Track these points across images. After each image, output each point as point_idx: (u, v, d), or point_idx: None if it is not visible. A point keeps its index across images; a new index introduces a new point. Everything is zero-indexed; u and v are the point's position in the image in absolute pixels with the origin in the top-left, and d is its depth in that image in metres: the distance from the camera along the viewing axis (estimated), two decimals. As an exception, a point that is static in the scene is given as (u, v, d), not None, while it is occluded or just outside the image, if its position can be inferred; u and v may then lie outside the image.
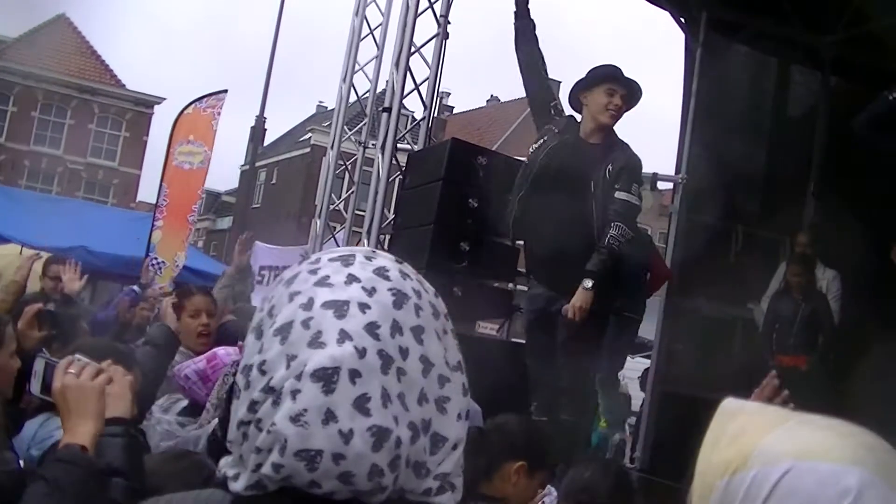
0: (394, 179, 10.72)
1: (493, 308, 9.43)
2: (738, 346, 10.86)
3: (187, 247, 16.02)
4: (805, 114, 11.92)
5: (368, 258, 1.52)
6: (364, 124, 12.51)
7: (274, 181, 58.28)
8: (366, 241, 10.26)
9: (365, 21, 12.69)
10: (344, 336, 1.38)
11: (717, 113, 10.99)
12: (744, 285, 10.88)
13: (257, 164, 41.55)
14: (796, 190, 11.34)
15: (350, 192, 12.80)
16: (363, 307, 1.42)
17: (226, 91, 16.27)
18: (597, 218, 6.88)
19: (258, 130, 34.49)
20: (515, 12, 7.89)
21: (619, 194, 6.98)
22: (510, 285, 9.63)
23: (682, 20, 11.25)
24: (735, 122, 11.20)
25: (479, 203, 8.44)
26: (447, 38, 10.37)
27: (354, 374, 1.37)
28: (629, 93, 7.33)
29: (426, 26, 10.59)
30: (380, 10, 12.71)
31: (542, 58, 7.82)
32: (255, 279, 15.26)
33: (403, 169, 10.28)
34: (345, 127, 12.85)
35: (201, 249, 41.85)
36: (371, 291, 1.45)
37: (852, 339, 9.92)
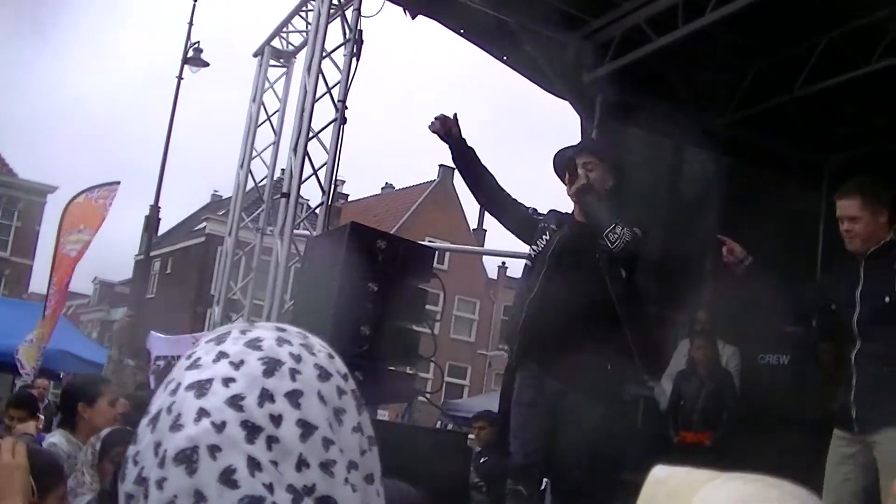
0: (292, 266, 10.66)
1: (395, 392, 9.35)
2: (640, 424, 10.90)
3: (57, 325, 16.02)
4: (700, 194, 12.10)
5: (244, 332, 1.47)
6: (262, 210, 12.46)
7: (169, 271, 57.81)
8: (265, 329, 10.17)
9: (262, 107, 12.71)
10: (201, 414, 1.34)
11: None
12: (642, 364, 10.97)
13: (152, 253, 41.13)
14: (694, 269, 11.47)
15: (248, 279, 12.69)
16: (227, 381, 1.37)
17: (118, 183, 16.27)
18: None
19: (152, 220, 34.13)
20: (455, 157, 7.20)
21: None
22: (410, 369, 9.60)
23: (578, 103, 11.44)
24: (631, 202, 11.34)
25: (379, 287, 8.39)
26: (345, 122, 10.39)
27: (214, 450, 1.31)
28: (591, 154, 6.94)
29: (324, 112, 10.62)
30: (277, 95, 12.74)
31: (499, 187, 7.18)
32: (151, 368, 15.11)
33: (302, 255, 10.24)
34: (242, 214, 12.79)
35: (95, 340, 41.24)
36: (238, 364, 1.40)
37: (752, 413, 10.03)
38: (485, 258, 60.46)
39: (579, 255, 6.68)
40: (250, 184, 12.78)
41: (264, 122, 12.75)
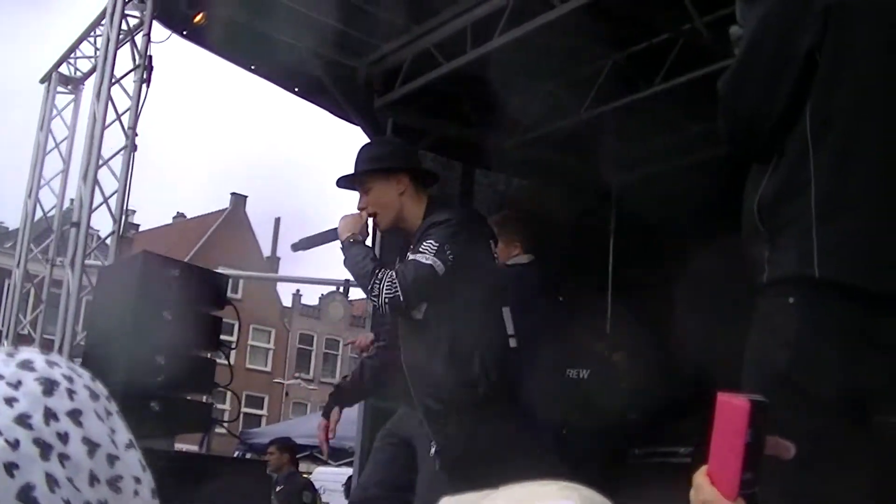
0: (83, 297, 10.45)
1: (192, 422, 9.25)
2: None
3: None
4: (491, 213, 12.29)
5: (10, 354, 1.46)
6: (51, 241, 12.20)
7: (-47, 306, 56.18)
8: (57, 361, 9.93)
9: (50, 134, 12.45)
10: None
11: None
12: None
13: (-65, 288, 39.90)
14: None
15: (37, 311, 12.41)
16: (10, 401, 1.36)
17: None
18: None
19: (-65, 254, 33.18)
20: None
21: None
22: (206, 398, 9.51)
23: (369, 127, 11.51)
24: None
25: (173, 316, 8.30)
26: (135, 150, 10.25)
27: (12, 467, 1.29)
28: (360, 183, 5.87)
29: (114, 139, 10.45)
30: (65, 123, 12.49)
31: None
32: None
33: (93, 286, 10.05)
34: (31, 245, 12.50)
35: None
36: (17, 385, 1.39)
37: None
38: (279, 286, 60.30)
39: None
40: (38, 213, 12.50)
41: (52, 149, 12.49)
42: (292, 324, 59.86)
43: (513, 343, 5.49)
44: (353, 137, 11.71)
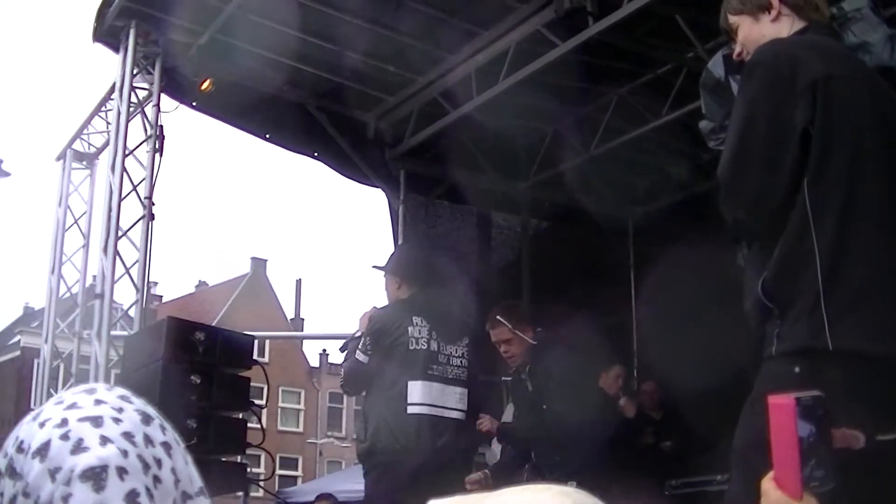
0: (111, 368, 10.49)
1: (228, 483, 9.28)
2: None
3: None
4: (511, 257, 12.34)
5: (109, 389, 1.61)
6: (77, 315, 12.26)
7: (-17, 389, 56.16)
8: (89, 433, 9.95)
9: (69, 210, 12.55)
10: (105, 440, 1.45)
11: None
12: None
13: (-35, 373, 39.90)
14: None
15: (68, 386, 12.44)
16: (116, 420, 1.51)
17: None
18: None
19: (-37, 339, 33.22)
20: None
21: None
22: (240, 458, 9.53)
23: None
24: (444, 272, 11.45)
25: (201, 379, 8.36)
26: (153, 219, 10.30)
27: (122, 471, 1.44)
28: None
29: (131, 210, 10.51)
30: (82, 198, 12.59)
31: None
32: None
33: (120, 356, 10.10)
34: (57, 320, 12.57)
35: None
36: (119, 410, 1.54)
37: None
38: (305, 347, 60.20)
39: None
40: (63, 289, 12.58)
41: (72, 225, 12.58)
42: (321, 383, 59.62)
43: (419, 410, 7.13)
44: (369, 194, 11.72)
